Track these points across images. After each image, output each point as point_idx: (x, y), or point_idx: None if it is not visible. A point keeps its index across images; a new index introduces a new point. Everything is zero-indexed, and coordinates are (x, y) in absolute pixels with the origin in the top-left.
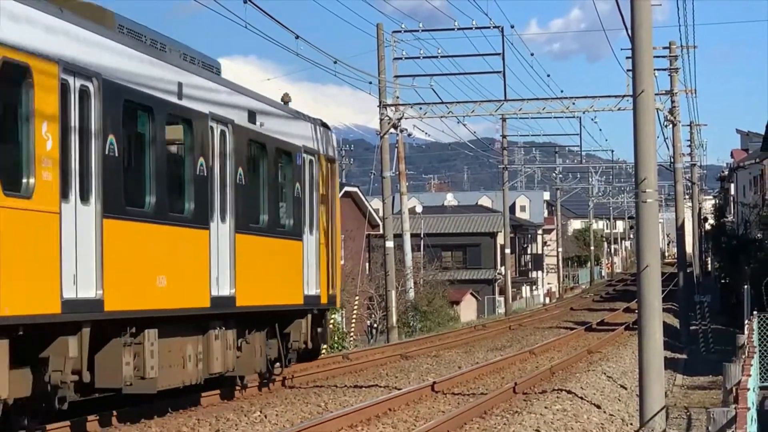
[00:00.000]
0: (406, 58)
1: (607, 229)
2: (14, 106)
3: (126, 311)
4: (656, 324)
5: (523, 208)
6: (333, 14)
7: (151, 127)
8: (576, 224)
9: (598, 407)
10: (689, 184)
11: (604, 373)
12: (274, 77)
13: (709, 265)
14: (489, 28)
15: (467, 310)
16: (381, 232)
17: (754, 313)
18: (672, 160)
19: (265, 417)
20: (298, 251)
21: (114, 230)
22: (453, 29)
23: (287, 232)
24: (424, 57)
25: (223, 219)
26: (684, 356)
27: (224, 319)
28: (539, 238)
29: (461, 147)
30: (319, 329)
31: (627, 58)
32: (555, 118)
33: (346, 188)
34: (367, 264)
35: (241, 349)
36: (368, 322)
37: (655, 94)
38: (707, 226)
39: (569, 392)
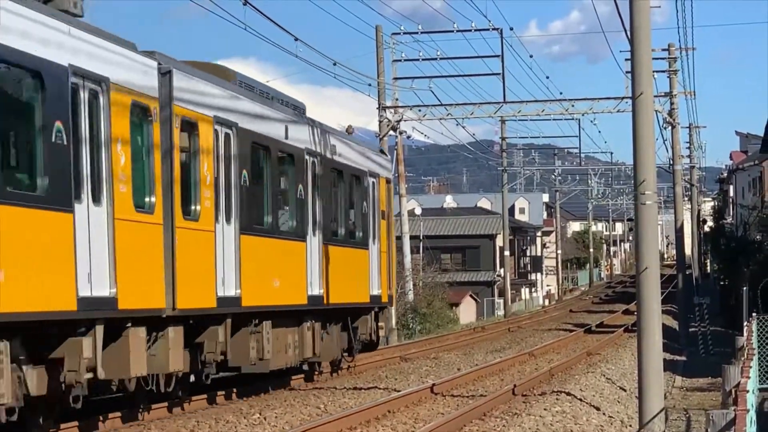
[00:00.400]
0: (405, 60)
1: (606, 231)
2: (192, 154)
3: (255, 306)
4: (655, 326)
5: (522, 210)
6: (332, 16)
7: (268, 163)
8: (575, 226)
9: (598, 409)
10: (688, 185)
11: (604, 375)
12: (273, 79)
13: (708, 267)
14: (488, 30)
15: (466, 312)
16: None
17: (753, 314)
18: (671, 162)
19: (265, 419)
20: (366, 258)
21: (247, 243)
22: (452, 31)
23: (358, 242)
24: (423, 59)
25: (314, 233)
26: (683, 358)
27: (314, 315)
28: (538, 240)
29: (460, 149)
30: (380, 324)
31: (626, 59)
32: (554, 120)
33: None
34: None
35: (323, 339)
36: None
37: (654, 96)
38: (706, 228)
39: (568, 394)
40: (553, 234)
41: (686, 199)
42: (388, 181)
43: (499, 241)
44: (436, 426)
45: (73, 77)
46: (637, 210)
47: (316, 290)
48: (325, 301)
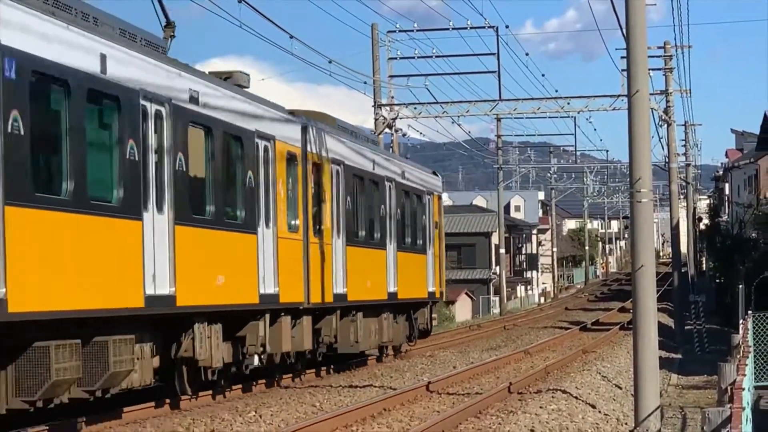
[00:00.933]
0: (400, 58)
1: (601, 228)
2: (317, 188)
3: (355, 301)
4: (651, 323)
5: (517, 208)
6: (328, 14)
7: (362, 189)
8: (571, 224)
9: (593, 407)
10: (684, 183)
11: (599, 373)
12: (268, 77)
13: (704, 265)
14: (484, 28)
15: (462, 309)
16: None
17: (749, 312)
18: (667, 160)
19: (260, 417)
20: (425, 261)
21: (350, 253)
22: (448, 29)
23: (419, 249)
24: (418, 57)
25: (391, 242)
26: (679, 356)
27: (388, 308)
28: (534, 237)
29: (456, 147)
30: (433, 315)
31: (622, 57)
32: (550, 117)
33: None
34: None
35: (393, 328)
36: None
37: (650, 94)
38: (702, 226)
39: (564, 392)
40: (549, 232)
41: (682, 197)
42: (439, 197)
43: (494, 239)
44: (432, 424)
45: (257, 138)
46: (633, 208)
47: (392, 288)
48: (397, 297)
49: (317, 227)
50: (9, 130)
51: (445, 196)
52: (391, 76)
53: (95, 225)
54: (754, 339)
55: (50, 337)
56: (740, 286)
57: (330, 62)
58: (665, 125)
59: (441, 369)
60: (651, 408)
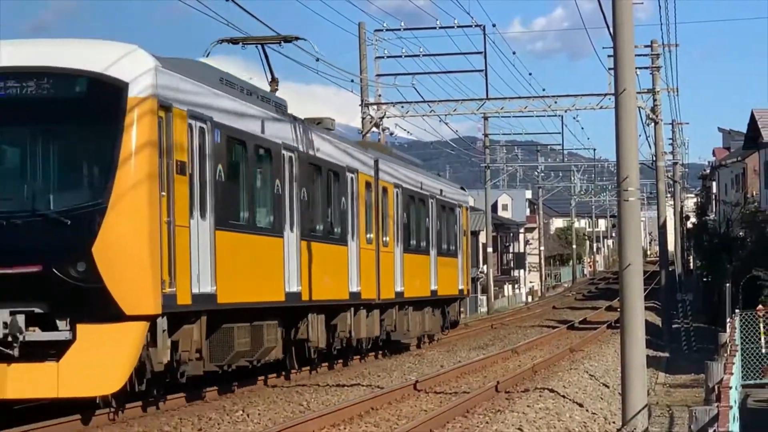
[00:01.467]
0: (388, 56)
1: (589, 227)
2: (385, 207)
3: (409, 297)
4: (638, 322)
5: (505, 207)
6: (316, 14)
7: (415, 205)
8: (558, 223)
9: (581, 406)
10: (671, 182)
11: (587, 372)
12: (255, 75)
13: (691, 264)
14: (471, 26)
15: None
16: None
17: (736, 311)
18: (654, 159)
19: (248, 416)
20: (457, 264)
21: (407, 259)
22: (435, 28)
23: (453, 253)
24: (406, 56)
25: (432, 248)
26: (666, 354)
27: (430, 302)
28: (521, 236)
29: (443, 146)
30: (461, 309)
31: (609, 56)
32: (537, 116)
33: None
34: None
35: (432, 319)
36: None
37: (637, 93)
38: (689, 225)
39: (551, 391)
40: (536, 230)
41: (669, 195)
42: (467, 209)
43: (482, 238)
44: (419, 423)
45: (347, 172)
46: (620, 207)
47: (433, 286)
48: (437, 294)
49: (384, 239)
50: (216, 178)
51: None
52: (379, 75)
53: (258, 242)
54: (741, 337)
55: (232, 321)
56: (727, 285)
57: (317, 60)
58: (652, 124)
59: (428, 368)
60: (638, 407)
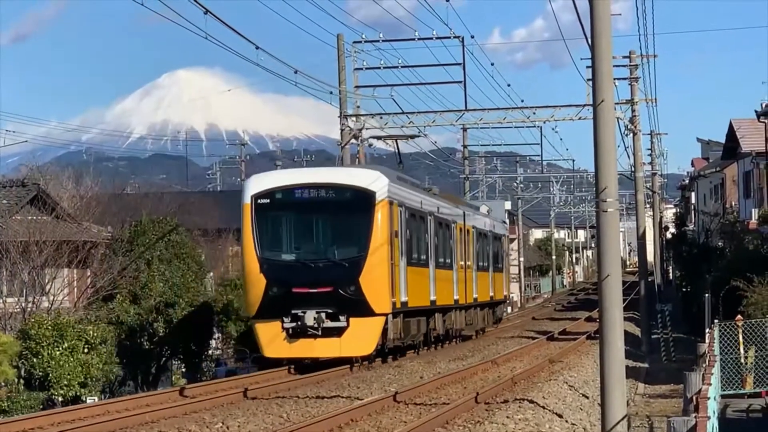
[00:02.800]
0: (366, 68)
1: (568, 238)
2: (474, 243)
3: (474, 302)
4: (617, 333)
5: None
6: (295, 26)
7: (482, 240)
8: (537, 234)
9: (560, 416)
10: (650, 192)
11: (566, 383)
12: (235, 87)
13: (671, 274)
14: (449, 38)
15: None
16: None
17: (715, 321)
18: (633, 169)
19: (227, 428)
20: (502, 277)
21: (478, 275)
22: (413, 39)
23: (499, 269)
24: (384, 67)
25: (490, 267)
26: (646, 365)
27: (486, 305)
28: None
29: (422, 157)
30: (504, 309)
31: (587, 67)
32: (516, 127)
33: None
34: None
35: (485, 317)
36: None
37: (616, 104)
38: (668, 235)
39: (531, 402)
40: (516, 241)
41: (648, 206)
42: (508, 237)
43: None
44: None
45: (451, 223)
46: (599, 217)
47: (491, 293)
48: (492, 299)
49: (467, 263)
50: (406, 237)
51: None
52: (357, 87)
53: (422, 271)
54: (721, 348)
55: (414, 315)
56: (706, 295)
57: (296, 72)
58: (631, 134)
59: (408, 379)
60: (618, 417)
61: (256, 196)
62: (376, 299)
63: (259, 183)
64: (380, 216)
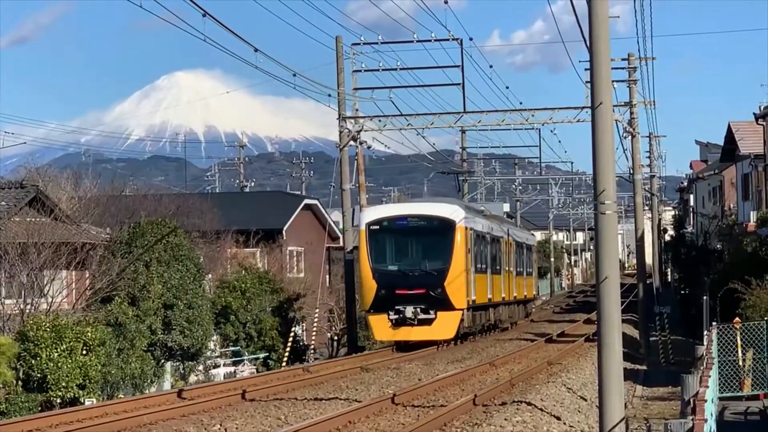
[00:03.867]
0: (365, 70)
1: (567, 240)
2: (512, 252)
3: (517, 299)
4: (615, 335)
5: None
6: (294, 28)
7: (515, 248)
8: (536, 236)
9: (558, 419)
10: (649, 195)
11: (564, 385)
12: (234, 89)
13: (669, 276)
14: (448, 40)
15: None
16: (341, 244)
17: (713, 324)
18: (631, 172)
19: (225, 430)
20: (532, 279)
21: (517, 278)
22: (412, 41)
23: (530, 273)
24: (383, 69)
25: (525, 272)
26: (644, 367)
27: (519, 302)
28: None
29: (421, 159)
30: (533, 306)
31: (586, 70)
32: (514, 129)
33: (306, 201)
34: (327, 276)
35: (518, 312)
36: (329, 334)
37: (614, 106)
38: (667, 237)
39: (529, 404)
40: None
41: (647, 208)
42: (535, 246)
43: None
44: None
45: (502, 238)
46: (597, 220)
47: (524, 293)
48: (525, 297)
49: (509, 269)
50: (475, 252)
51: None
52: (356, 89)
53: (487, 276)
54: (719, 350)
55: (478, 309)
56: (705, 298)
57: (294, 75)
58: (629, 137)
59: (406, 381)
60: (616, 419)
61: (369, 224)
62: (456, 298)
63: (371, 214)
64: (458, 238)
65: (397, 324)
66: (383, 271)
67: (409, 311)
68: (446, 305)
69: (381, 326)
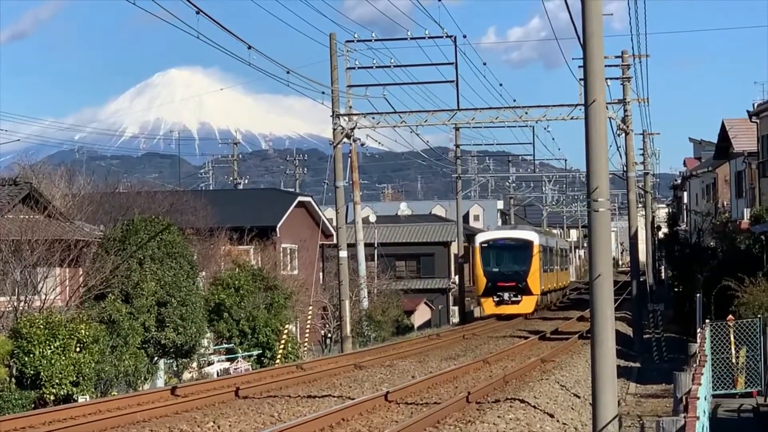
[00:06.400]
0: (359, 67)
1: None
2: (546, 256)
3: (559, 287)
4: (609, 332)
5: (476, 218)
6: (288, 26)
7: (551, 253)
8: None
9: (551, 416)
10: (642, 192)
11: (558, 382)
12: (228, 86)
13: (663, 274)
14: (442, 37)
15: (421, 319)
16: (334, 241)
17: (707, 321)
18: (625, 169)
19: (219, 428)
20: (567, 273)
21: (559, 273)
22: (406, 39)
23: (566, 269)
24: (377, 66)
25: (563, 268)
26: (637, 365)
27: (559, 289)
28: None
29: (415, 156)
30: (568, 290)
31: (580, 67)
32: (508, 127)
33: (300, 198)
34: (321, 274)
35: (560, 295)
36: (322, 332)
37: (608, 103)
38: (660, 235)
39: (522, 401)
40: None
41: (640, 205)
42: (568, 248)
43: (453, 249)
44: None
45: (549, 246)
46: (590, 217)
47: (563, 283)
48: (564, 286)
49: (556, 267)
50: (541, 258)
51: (404, 205)
52: (350, 86)
53: (551, 273)
54: (713, 348)
55: (544, 295)
56: (698, 295)
57: (288, 72)
58: (623, 134)
59: (400, 379)
60: (609, 417)
61: (481, 243)
62: (533, 288)
63: (482, 236)
64: (534, 251)
65: (498, 304)
66: (490, 272)
67: (505, 296)
68: (528, 292)
69: (488, 305)
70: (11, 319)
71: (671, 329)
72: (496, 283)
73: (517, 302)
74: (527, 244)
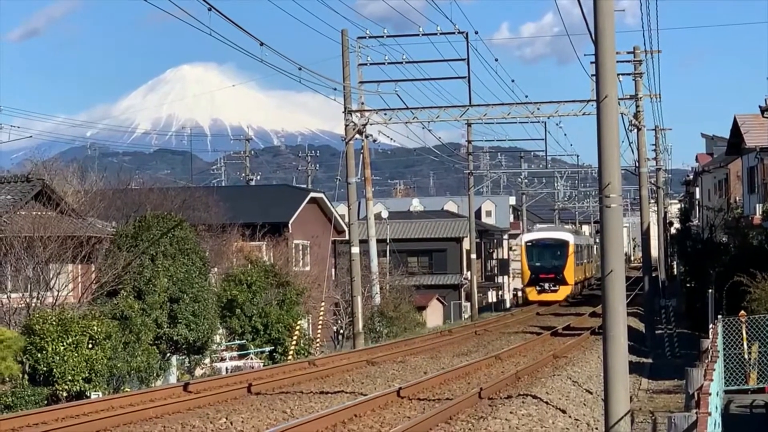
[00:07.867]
0: (371, 63)
1: None
2: (574, 255)
3: (586, 278)
4: (621, 328)
5: (488, 213)
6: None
7: (581, 251)
8: None
9: (564, 412)
10: (654, 188)
11: (570, 378)
12: (241, 83)
13: (675, 269)
14: (453, 33)
15: (433, 315)
16: (347, 238)
17: (719, 317)
18: (637, 165)
19: (231, 424)
20: (591, 266)
21: (585, 265)
22: (418, 35)
23: (591, 262)
24: (388, 63)
25: (588, 260)
26: (649, 360)
27: (584, 280)
28: (505, 243)
29: (427, 152)
30: (593, 282)
31: (592, 63)
32: (520, 123)
33: (312, 194)
34: (333, 270)
35: (583, 286)
36: (334, 328)
37: (620, 99)
38: (673, 230)
39: (534, 397)
40: (520, 237)
41: (652, 201)
42: (593, 246)
43: (465, 244)
44: (403, 430)
45: (575, 243)
46: (602, 213)
47: (588, 274)
48: (589, 278)
49: (584, 261)
50: (575, 254)
51: (416, 201)
52: (362, 82)
53: (581, 265)
54: (725, 343)
55: (576, 284)
56: (710, 291)
57: (300, 69)
58: (635, 130)
59: (412, 375)
60: (621, 413)
61: (526, 242)
62: (569, 279)
63: (527, 236)
64: (570, 249)
65: (540, 292)
66: (533, 266)
67: (546, 285)
68: (564, 282)
69: (532, 293)
70: (24, 316)
71: (683, 325)
72: (539, 275)
73: (555, 291)
74: (564, 243)
